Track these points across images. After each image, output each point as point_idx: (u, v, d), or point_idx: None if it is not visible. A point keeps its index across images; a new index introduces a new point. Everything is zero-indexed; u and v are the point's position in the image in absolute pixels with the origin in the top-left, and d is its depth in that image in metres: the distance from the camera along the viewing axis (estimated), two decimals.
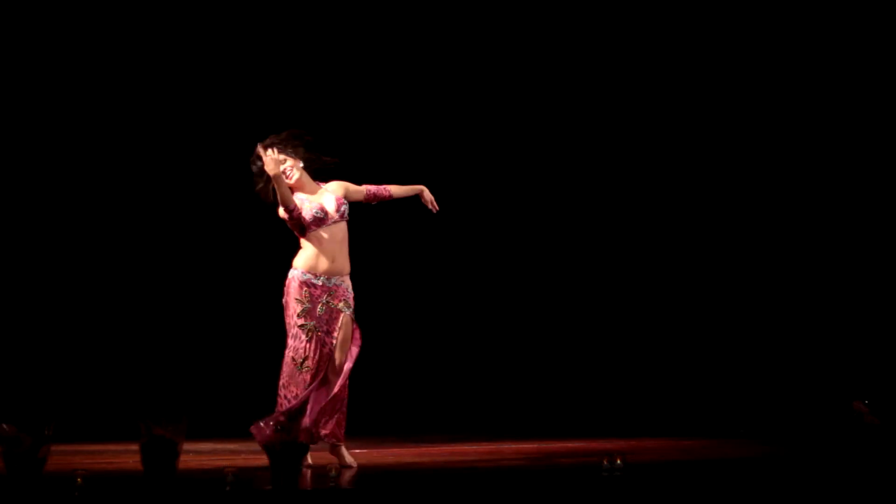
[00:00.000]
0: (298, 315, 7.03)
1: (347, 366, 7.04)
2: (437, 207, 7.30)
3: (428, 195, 7.29)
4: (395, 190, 7.30)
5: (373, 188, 7.24)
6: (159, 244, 10.99)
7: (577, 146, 11.24)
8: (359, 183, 7.27)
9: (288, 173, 7.02)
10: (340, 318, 7.06)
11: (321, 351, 7.02)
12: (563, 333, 11.21)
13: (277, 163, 6.94)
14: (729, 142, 11.03)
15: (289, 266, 7.22)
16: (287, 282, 7.13)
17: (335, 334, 7.05)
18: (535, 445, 8.36)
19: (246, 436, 7.03)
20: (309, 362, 7.00)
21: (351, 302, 7.11)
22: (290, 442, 5.59)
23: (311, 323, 7.02)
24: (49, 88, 10.76)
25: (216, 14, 10.87)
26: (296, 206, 7.01)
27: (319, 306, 7.03)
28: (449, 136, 11.19)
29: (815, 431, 8.82)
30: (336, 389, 6.99)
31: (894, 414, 6.67)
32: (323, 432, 6.97)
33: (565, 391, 11.04)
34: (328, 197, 7.12)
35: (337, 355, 7.05)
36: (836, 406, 7.19)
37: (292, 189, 7.06)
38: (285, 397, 7.00)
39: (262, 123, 10.98)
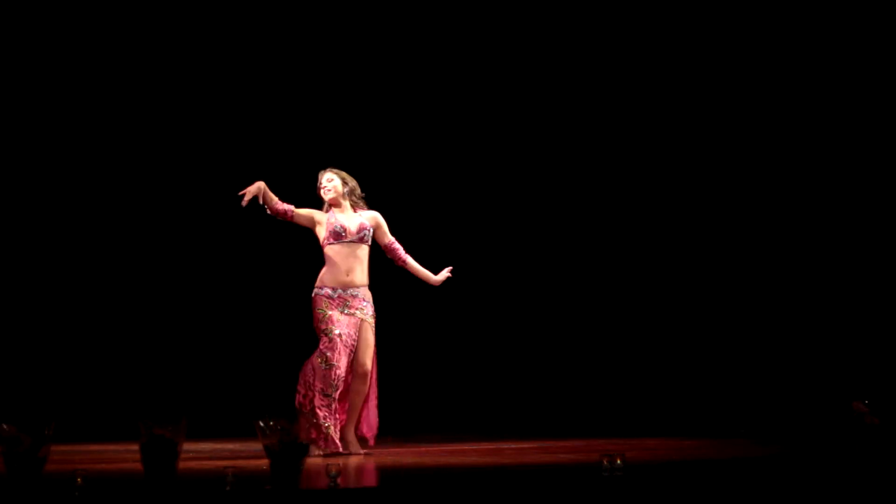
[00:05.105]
0: (320, 321, 7.88)
1: (373, 372, 7.99)
2: (450, 273, 8.17)
3: (437, 281, 8.13)
4: (411, 264, 8.15)
5: (395, 246, 8.12)
6: (159, 245, 11.00)
7: (575, 148, 11.25)
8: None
9: (328, 187, 8.02)
10: (358, 324, 7.90)
11: (347, 353, 7.85)
12: (563, 333, 11.22)
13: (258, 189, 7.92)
14: (729, 142, 11.03)
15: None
16: (313, 297, 7.95)
17: (355, 337, 7.88)
18: (535, 445, 8.36)
19: (246, 436, 7.05)
20: (333, 360, 7.77)
21: (367, 310, 7.95)
22: (290, 442, 5.58)
23: (332, 327, 7.84)
24: (52, 89, 10.78)
25: (220, 17, 10.88)
26: (280, 208, 7.95)
27: (338, 314, 7.86)
28: (449, 140, 11.21)
29: (815, 431, 8.81)
30: (370, 394, 7.97)
31: (894, 414, 6.66)
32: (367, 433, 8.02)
33: (565, 391, 11.05)
34: (355, 219, 7.95)
35: (361, 359, 7.90)
36: (836, 406, 7.18)
37: (331, 204, 8.02)
38: (304, 385, 7.80)
39: (262, 127, 11.04)
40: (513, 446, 8.32)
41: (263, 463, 5.78)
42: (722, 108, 11.01)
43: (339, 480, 5.55)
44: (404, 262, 8.13)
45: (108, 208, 10.94)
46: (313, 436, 7.70)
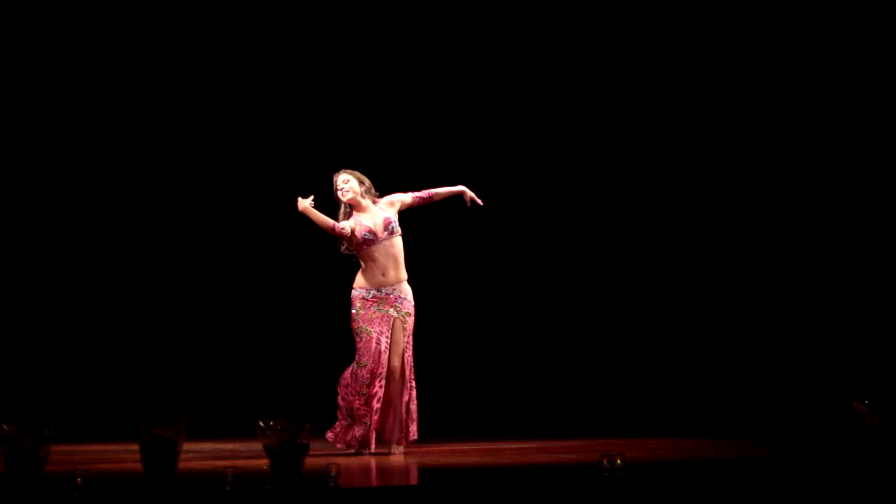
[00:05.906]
0: (353, 320, 7.89)
1: (407, 371, 7.97)
2: (481, 202, 8.19)
3: (469, 194, 8.14)
4: (437, 194, 8.13)
5: (417, 194, 8.07)
6: (159, 245, 11.00)
7: (576, 148, 11.24)
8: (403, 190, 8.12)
9: (345, 189, 7.94)
10: (391, 322, 7.92)
11: (378, 349, 7.82)
12: (564, 333, 11.21)
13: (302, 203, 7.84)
14: (728, 143, 11.03)
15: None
16: (351, 296, 7.95)
17: (388, 335, 7.89)
18: (535, 445, 8.36)
19: (246, 436, 7.05)
20: (364, 359, 7.82)
21: (403, 306, 7.95)
22: (290, 442, 5.59)
23: (364, 325, 7.87)
24: (52, 89, 10.77)
25: (224, 18, 10.88)
26: (337, 227, 7.87)
27: (372, 313, 7.89)
28: (449, 141, 11.20)
29: (815, 431, 8.82)
30: (403, 395, 7.93)
31: (894, 414, 6.66)
32: (389, 437, 7.91)
33: (565, 391, 11.05)
34: (379, 215, 7.91)
35: (392, 359, 7.89)
36: (836, 406, 7.18)
37: (351, 206, 7.95)
38: (344, 394, 7.85)
39: (264, 126, 11.03)
40: (513, 446, 8.32)
41: (263, 463, 5.78)
42: (722, 109, 11.01)
43: (339, 480, 5.55)
44: (431, 197, 8.11)
45: (109, 208, 10.94)
46: (357, 434, 7.80)
